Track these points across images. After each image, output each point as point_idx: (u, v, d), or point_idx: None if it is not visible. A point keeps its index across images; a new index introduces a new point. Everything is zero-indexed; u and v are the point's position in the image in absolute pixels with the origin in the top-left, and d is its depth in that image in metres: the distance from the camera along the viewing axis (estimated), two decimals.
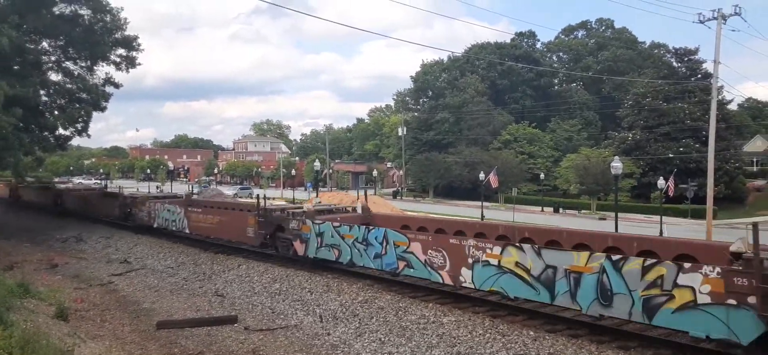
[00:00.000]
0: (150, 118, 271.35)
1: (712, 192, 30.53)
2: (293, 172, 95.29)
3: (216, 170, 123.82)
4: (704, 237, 27.98)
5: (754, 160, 72.51)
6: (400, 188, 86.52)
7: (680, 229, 41.60)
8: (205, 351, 13.15)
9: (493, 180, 51.63)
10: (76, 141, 43.98)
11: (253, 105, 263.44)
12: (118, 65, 34.68)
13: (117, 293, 19.14)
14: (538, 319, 13.08)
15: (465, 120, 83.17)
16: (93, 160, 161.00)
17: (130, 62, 34.80)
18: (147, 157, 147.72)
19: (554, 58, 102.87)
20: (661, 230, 36.68)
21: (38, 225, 37.53)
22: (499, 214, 51.75)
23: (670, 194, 49.41)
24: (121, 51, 34.45)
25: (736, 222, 49.97)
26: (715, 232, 31.15)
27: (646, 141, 63.81)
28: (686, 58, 68.54)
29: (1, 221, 41.86)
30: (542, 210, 61.24)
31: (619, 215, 31.83)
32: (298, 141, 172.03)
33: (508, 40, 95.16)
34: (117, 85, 35.85)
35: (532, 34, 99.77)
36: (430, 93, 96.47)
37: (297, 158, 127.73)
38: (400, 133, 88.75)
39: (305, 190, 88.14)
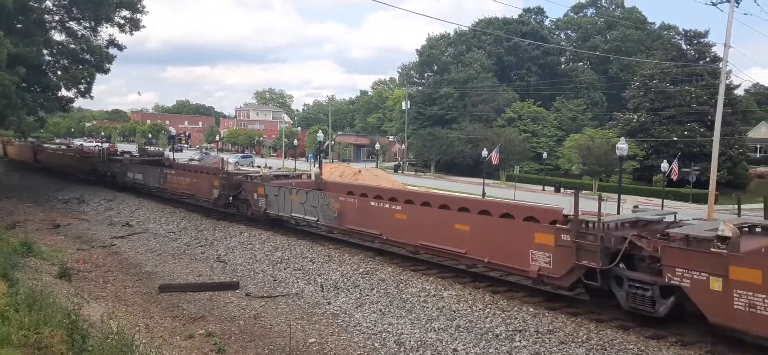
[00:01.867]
0: (152, 82, 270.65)
1: (715, 177, 30.43)
2: (295, 142, 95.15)
3: (217, 138, 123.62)
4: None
5: (758, 146, 72.21)
6: (401, 162, 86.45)
7: (681, 214, 41.57)
8: (206, 316, 13.27)
9: (495, 157, 51.56)
10: (77, 102, 41.49)
11: (255, 73, 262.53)
12: (121, 27, 34.43)
13: (119, 256, 19.26)
14: (538, 296, 13.15)
15: (469, 96, 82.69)
16: (94, 122, 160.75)
17: (134, 24, 34.53)
18: (148, 121, 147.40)
19: (562, 35, 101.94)
20: None
21: (39, 185, 37.59)
22: (500, 191, 51.77)
23: (674, 177, 49.31)
24: (125, 12, 34.18)
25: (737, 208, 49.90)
26: (715, 217, 31.13)
27: (650, 123, 63.48)
28: (695, 41, 67.80)
29: (3, 180, 41.97)
30: (543, 189, 61.24)
31: (621, 196, 31.74)
32: (301, 111, 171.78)
33: (516, 16, 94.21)
34: (120, 48, 35.67)
35: (540, 11, 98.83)
36: (435, 67, 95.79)
37: (299, 128, 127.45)
38: (403, 107, 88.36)
39: (306, 160, 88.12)
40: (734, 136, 60.48)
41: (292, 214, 19.41)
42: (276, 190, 20.15)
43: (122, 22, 34.27)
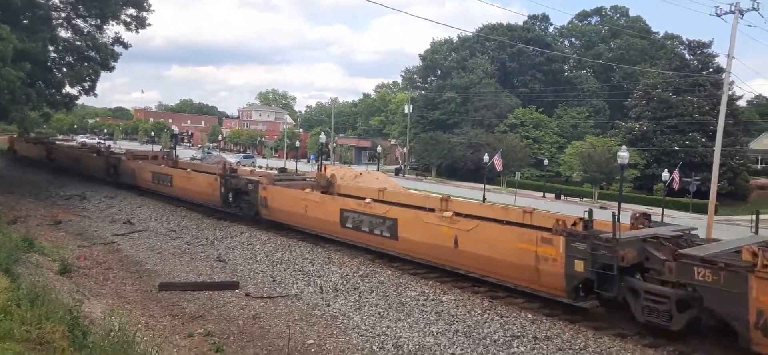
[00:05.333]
0: (156, 80, 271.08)
1: (715, 187, 30.50)
2: (297, 143, 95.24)
3: (220, 137, 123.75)
4: (705, 232, 28.03)
5: (759, 158, 72.18)
6: (402, 166, 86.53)
7: (681, 223, 41.58)
8: (205, 315, 13.33)
9: (498, 163, 51.61)
10: (80, 99, 40.09)
11: (259, 73, 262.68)
12: (127, 25, 34.51)
13: (119, 253, 19.32)
14: (537, 302, 13.20)
15: (472, 101, 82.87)
16: (97, 119, 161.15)
17: (140, 23, 34.62)
18: (151, 120, 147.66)
19: (566, 43, 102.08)
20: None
21: (41, 180, 37.70)
22: (500, 197, 51.83)
23: (675, 187, 49.34)
24: (131, 10, 34.25)
25: (737, 218, 49.98)
26: (715, 227, 31.18)
27: (652, 132, 63.57)
28: (699, 51, 67.91)
29: (4, 175, 42.09)
30: (544, 195, 61.26)
31: (622, 204, 31.79)
32: (303, 112, 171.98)
33: (521, 23, 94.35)
34: (126, 46, 35.72)
35: (545, 18, 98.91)
36: (439, 72, 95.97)
37: (301, 130, 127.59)
38: (406, 111, 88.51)
39: (308, 162, 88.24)
40: (736, 147, 60.55)
41: None
42: None
43: (128, 20, 34.36)
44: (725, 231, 33.31)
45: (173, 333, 11.88)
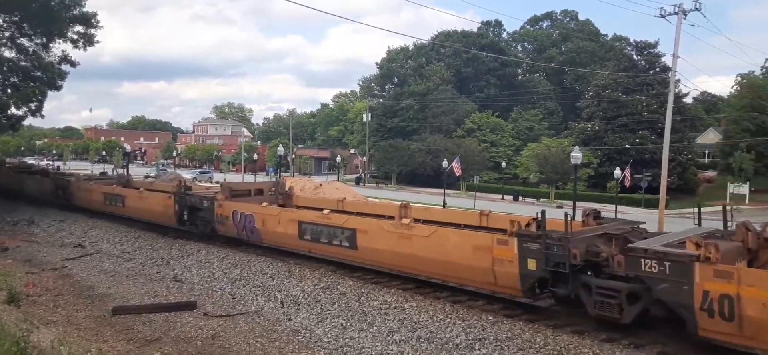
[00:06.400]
0: (106, 97, 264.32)
1: (665, 182, 31.59)
2: (255, 156, 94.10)
3: (174, 153, 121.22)
4: (656, 226, 28.97)
5: (706, 152, 75.19)
6: (362, 175, 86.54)
7: (633, 218, 42.85)
8: (162, 337, 12.93)
9: (457, 168, 52.18)
10: (27, 120, 38.81)
11: (214, 87, 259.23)
12: (75, 43, 33.63)
13: (71, 278, 18.60)
14: (497, 303, 13.34)
15: (430, 107, 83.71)
16: (45, 140, 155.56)
17: (88, 40, 33.75)
18: (102, 138, 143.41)
19: (519, 47, 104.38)
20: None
21: None
22: (459, 201, 52.38)
23: (627, 184, 50.88)
24: (78, 28, 33.42)
25: (687, 212, 51.88)
26: (666, 221, 32.28)
27: (604, 132, 65.49)
28: (646, 52, 70.39)
29: None
30: (503, 198, 62.26)
31: (576, 203, 32.56)
32: (261, 125, 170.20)
33: (475, 29, 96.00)
34: (74, 64, 34.78)
35: (498, 24, 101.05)
36: (396, 80, 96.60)
37: (259, 143, 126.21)
38: (364, 120, 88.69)
39: (267, 174, 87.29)
40: (683, 143, 62.91)
41: None
42: None
43: (75, 37, 33.50)
44: (676, 224, 34.49)
45: None
